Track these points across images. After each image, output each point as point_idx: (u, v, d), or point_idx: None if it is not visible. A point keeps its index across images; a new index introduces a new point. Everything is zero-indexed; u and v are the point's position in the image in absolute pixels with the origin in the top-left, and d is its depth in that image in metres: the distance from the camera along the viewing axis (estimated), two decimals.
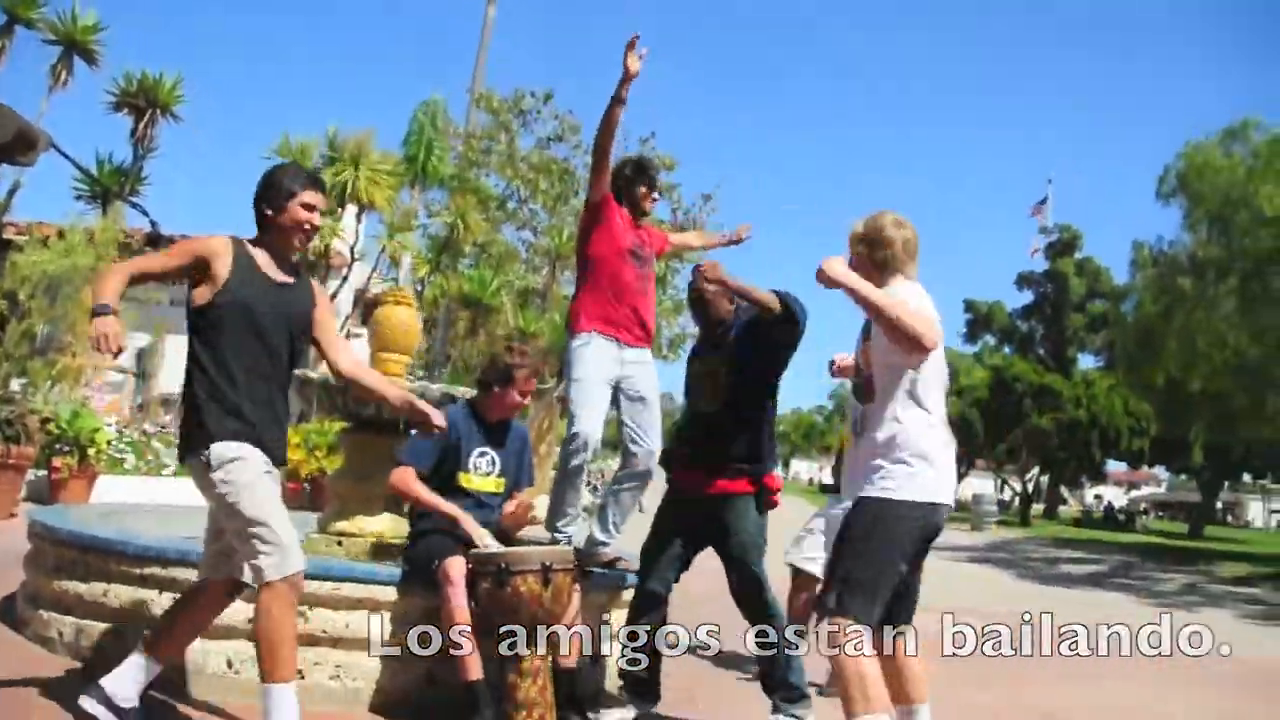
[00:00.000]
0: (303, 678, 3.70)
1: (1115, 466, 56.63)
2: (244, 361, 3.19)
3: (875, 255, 3.28)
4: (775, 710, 4.03)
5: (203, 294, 3.18)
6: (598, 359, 4.31)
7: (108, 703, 3.19)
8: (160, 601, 3.80)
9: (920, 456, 3.12)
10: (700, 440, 4.26)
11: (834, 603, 3.06)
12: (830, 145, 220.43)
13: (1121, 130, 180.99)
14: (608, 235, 4.40)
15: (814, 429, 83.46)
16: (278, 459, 3.27)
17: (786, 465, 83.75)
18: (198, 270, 3.20)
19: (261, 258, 3.29)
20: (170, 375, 13.01)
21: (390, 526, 4.84)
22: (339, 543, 4.77)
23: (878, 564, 3.09)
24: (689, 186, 20.43)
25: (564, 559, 3.68)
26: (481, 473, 4.08)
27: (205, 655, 3.70)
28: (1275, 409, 16.01)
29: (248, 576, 3.17)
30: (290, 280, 3.36)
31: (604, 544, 4.39)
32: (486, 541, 3.77)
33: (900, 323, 2.99)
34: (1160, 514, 66.03)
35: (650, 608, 4.22)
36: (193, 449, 3.16)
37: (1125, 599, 13.50)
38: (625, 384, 4.39)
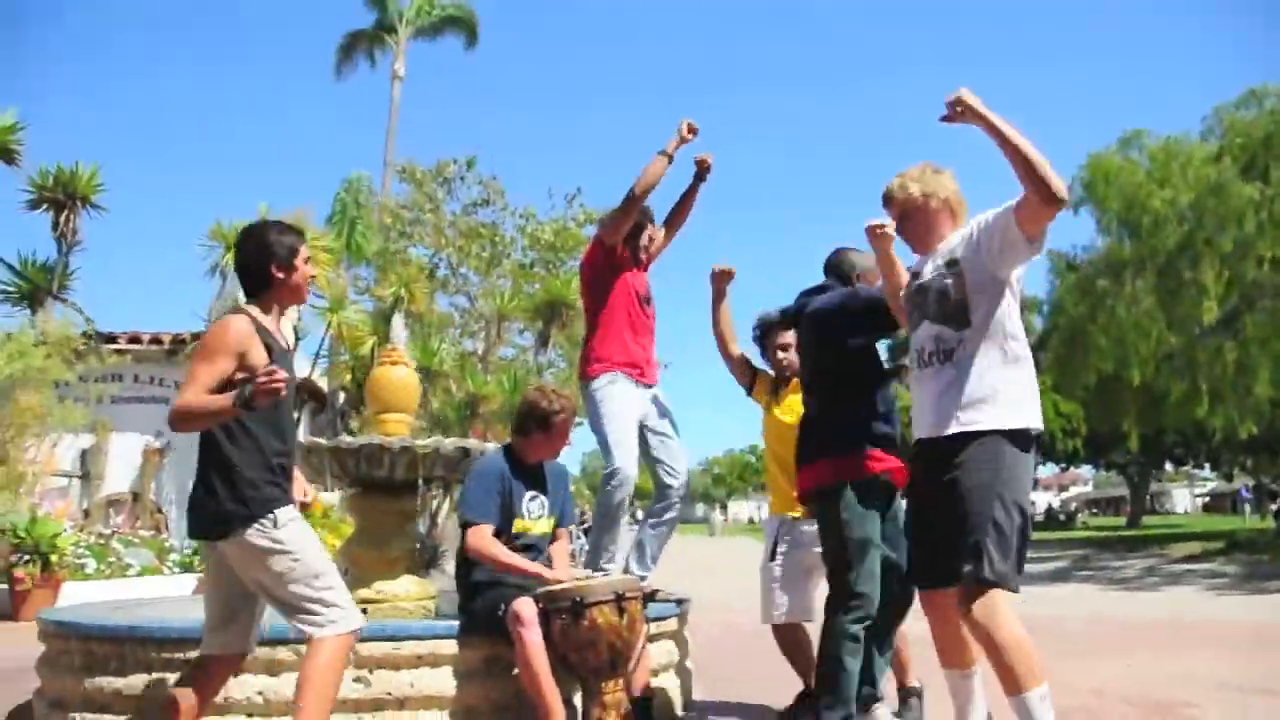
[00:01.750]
0: None
1: (1044, 472, 57.99)
2: (272, 434, 3.13)
3: (926, 209, 3.11)
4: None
5: (234, 377, 3.00)
6: (626, 397, 4.38)
7: None
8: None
9: (1034, 380, 2.91)
10: None
11: (988, 571, 2.72)
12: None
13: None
14: (623, 279, 4.51)
15: (749, 468, 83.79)
16: None
17: (725, 507, 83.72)
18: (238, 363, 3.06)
19: (270, 324, 3.19)
20: (117, 475, 12.50)
21: (415, 589, 4.73)
22: (364, 610, 4.62)
23: (1021, 517, 2.78)
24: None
25: (633, 587, 3.65)
26: (534, 516, 4.03)
27: None
28: (1205, 392, 16.59)
29: (314, 633, 3.03)
30: (292, 343, 3.36)
31: (643, 577, 4.38)
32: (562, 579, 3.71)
33: (1043, 166, 2.65)
34: (1093, 511, 67.58)
35: None
36: (250, 516, 3.02)
37: (1092, 589, 13.80)
38: (649, 421, 4.47)
